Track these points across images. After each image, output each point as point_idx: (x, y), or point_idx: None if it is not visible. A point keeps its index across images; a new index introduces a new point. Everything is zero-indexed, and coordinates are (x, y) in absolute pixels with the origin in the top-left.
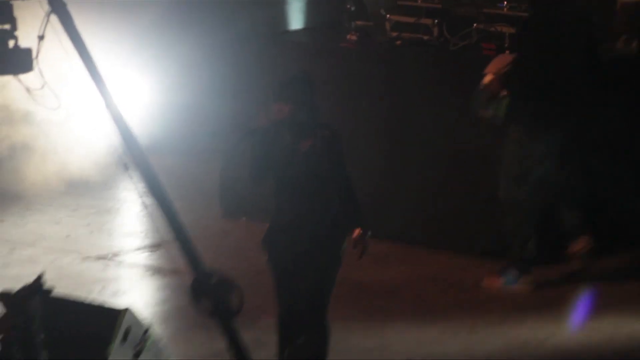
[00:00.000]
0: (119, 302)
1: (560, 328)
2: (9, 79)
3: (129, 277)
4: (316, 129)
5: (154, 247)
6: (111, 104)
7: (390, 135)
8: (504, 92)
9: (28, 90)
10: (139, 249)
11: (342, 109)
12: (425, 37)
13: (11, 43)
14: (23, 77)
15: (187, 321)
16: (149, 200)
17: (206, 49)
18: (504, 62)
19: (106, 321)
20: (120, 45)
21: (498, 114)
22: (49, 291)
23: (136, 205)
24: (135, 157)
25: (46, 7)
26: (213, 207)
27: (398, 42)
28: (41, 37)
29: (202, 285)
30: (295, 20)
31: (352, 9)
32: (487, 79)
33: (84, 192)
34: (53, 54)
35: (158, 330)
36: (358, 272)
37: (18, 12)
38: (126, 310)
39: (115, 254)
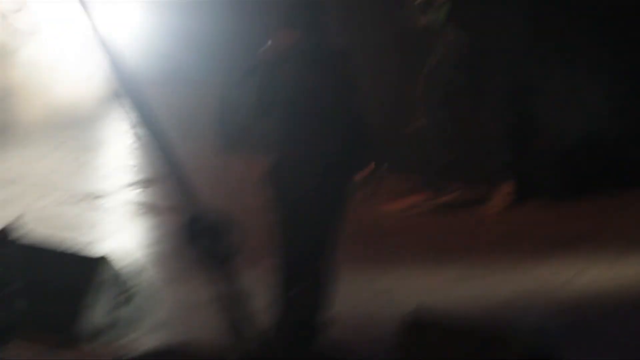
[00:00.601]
0: (107, 244)
1: (586, 267)
2: None
3: (119, 217)
4: (327, 56)
5: (147, 182)
6: (98, 26)
7: None
8: None
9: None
10: (130, 185)
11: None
12: None
13: None
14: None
15: (183, 263)
16: (141, 131)
17: None
18: None
19: (83, 270)
20: None
21: (438, 18)
22: (25, 236)
23: (128, 137)
24: (126, 85)
25: None
26: (211, 140)
27: None
28: None
29: (198, 224)
30: None
31: None
32: None
33: (72, 124)
34: None
35: (151, 274)
36: (370, 208)
37: None
38: (102, 258)
39: (105, 191)
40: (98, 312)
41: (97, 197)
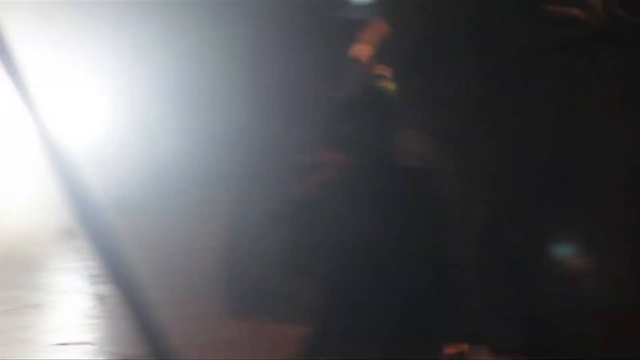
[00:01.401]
0: None
1: None
2: None
3: None
4: (397, 181)
5: None
6: (48, 135)
7: None
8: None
9: None
10: None
11: None
12: None
13: None
14: None
15: None
16: (106, 289)
17: (195, 46)
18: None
19: None
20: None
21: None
22: None
23: (85, 297)
24: (85, 219)
25: None
26: (215, 300)
27: None
28: None
29: None
30: None
31: None
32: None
33: (4, 275)
34: None
35: None
36: None
37: None
38: None
39: None
40: None
41: None
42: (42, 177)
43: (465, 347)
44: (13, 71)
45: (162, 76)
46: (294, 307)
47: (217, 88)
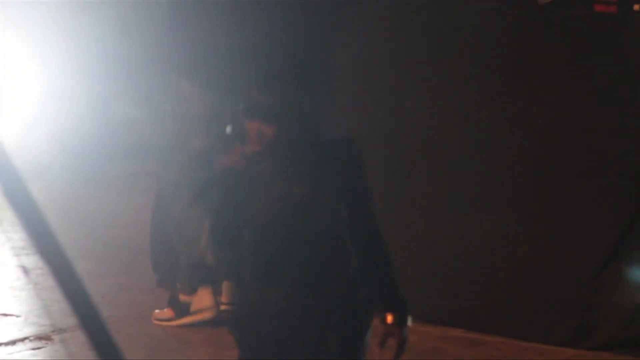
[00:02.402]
0: None
1: None
2: None
3: None
4: (321, 153)
5: (40, 340)
6: None
7: None
8: None
9: None
10: (10, 343)
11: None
12: None
13: None
14: None
15: None
16: (31, 261)
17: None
18: None
19: None
20: None
21: None
22: None
23: (9, 270)
24: (8, 190)
25: None
26: (142, 269)
27: None
28: None
29: None
30: None
31: None
32: None
33: None
34: None
35: None
36: None
37: None
38: None
39: None
40: None
41: None
42: None
43: (391, 317)
44: None
45: (83, 46)
46: (221, 277)
47: (139, 58)
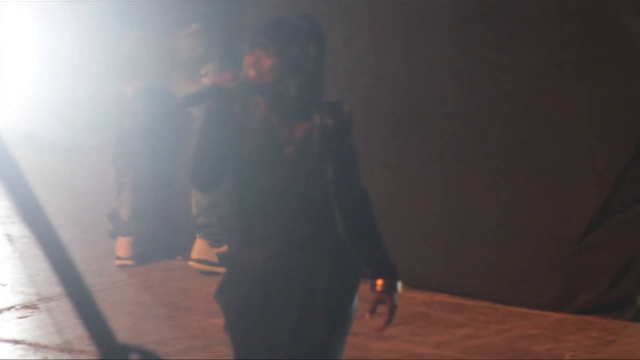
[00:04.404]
0: None
1: None
2: None
3: None
4: (315, 110)
5: (26, 309)
6: None
7: None
8: None
9: None
10: None
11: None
12: None
13: None
14: None
15: None
16: (16, 229)
17: None
18: None
19: None
20: None
21: None
22: None
23: None
24: None
25: None
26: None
27: None
28: None
29: None
30: None
31: None
32: None
33: None
34: None
35: None
36: (380, 343)
37: None
38: None
39: None
40: None
41: None
42: None
43: (380, 282)
44: None
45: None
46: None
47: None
